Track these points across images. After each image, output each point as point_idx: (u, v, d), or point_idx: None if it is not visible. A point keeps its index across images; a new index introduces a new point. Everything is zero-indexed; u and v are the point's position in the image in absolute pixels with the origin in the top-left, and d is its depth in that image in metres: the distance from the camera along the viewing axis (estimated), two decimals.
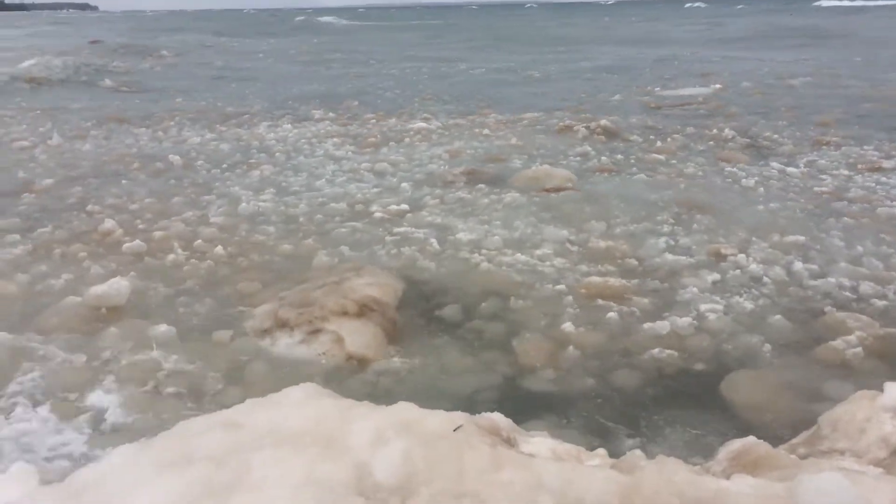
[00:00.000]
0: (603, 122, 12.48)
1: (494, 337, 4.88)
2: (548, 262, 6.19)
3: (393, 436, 2.61)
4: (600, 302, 5.39)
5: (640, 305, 5.37)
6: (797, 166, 9.81)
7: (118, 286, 5.14)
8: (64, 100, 17.80)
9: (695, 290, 5.62)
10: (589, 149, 10.96)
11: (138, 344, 4.57)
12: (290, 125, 13.70)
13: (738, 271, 5.99)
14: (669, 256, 6.35)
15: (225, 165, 10.31)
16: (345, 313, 4.53)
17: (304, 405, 2.82)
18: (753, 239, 6.74)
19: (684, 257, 6.33)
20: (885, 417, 3.13)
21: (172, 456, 2.67)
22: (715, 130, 12.13)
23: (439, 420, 2.68)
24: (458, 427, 2.62)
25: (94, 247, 6.70)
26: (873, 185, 8.75)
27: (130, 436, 3.45)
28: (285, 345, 4.40)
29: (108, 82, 21.46)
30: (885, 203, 7.88)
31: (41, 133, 12.76)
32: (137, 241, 6.64)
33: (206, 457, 2.65)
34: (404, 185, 8.99)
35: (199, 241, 6.81)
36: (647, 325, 5.04)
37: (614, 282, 5.69)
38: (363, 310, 4.61)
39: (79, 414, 3.91)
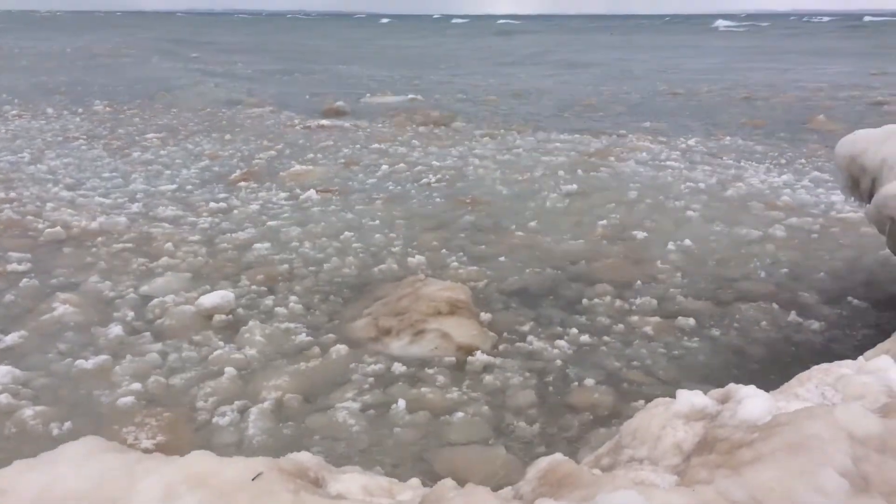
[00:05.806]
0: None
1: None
2: None
3: (185, 491, 2.38)
4: None
5: None
6: None
7: (227, 297, 5.59)
8: None
9: None
10: None
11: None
12: None
13: None
14: None
15: None
16: (439, 313, 5.06)
17: (83, 463, 2.51)
18: None
19: None
20: (677, 424, 3.31)
21: None
22: None
23: (237, 469, 2.49)
24: (258, 475, 2.45)
25: None
26: None
27: None
28: (398, 347, 4.87)
29: None
30: None
31: None
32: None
33: None
34: None
35: None
36: None
37: None
38: (453, 307, 5.12)
39: None
